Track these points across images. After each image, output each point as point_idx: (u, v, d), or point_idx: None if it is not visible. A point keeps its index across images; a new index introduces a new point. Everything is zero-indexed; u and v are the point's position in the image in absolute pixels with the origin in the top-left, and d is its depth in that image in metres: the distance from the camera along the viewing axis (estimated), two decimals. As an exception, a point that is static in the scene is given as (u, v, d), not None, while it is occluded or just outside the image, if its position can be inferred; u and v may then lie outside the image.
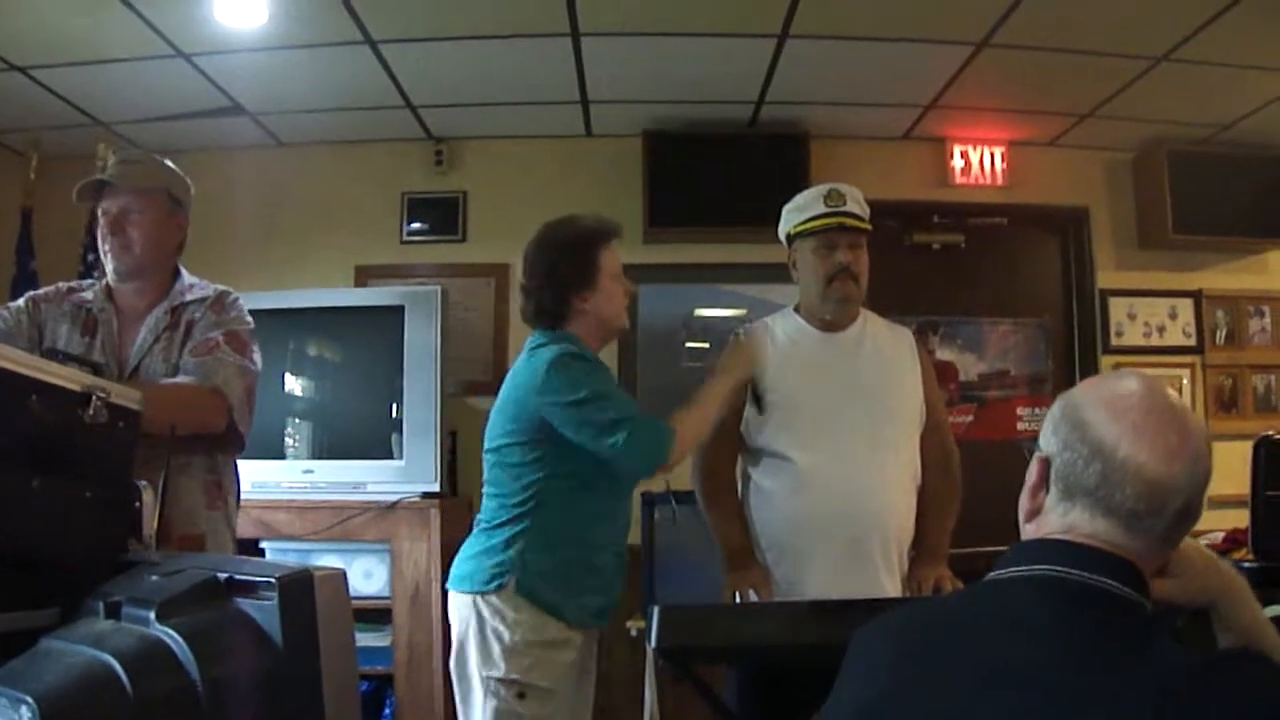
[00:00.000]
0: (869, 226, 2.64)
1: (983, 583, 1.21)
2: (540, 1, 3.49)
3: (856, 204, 2.62)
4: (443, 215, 4.74)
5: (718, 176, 4.38)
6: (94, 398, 1.51)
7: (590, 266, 2.45)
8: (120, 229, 2.42)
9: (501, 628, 2.30)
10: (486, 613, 2.32)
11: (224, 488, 2.49)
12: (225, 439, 2.43)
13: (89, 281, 2.59)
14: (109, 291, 2.50)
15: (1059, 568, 1.12)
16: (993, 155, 4.77)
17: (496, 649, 2.30)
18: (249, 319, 2.54)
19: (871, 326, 2.70)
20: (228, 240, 4.61)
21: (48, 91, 4.05)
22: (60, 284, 2.55)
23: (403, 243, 4.76)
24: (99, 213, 2.45)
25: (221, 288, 2.57)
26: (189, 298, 2.50)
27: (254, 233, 4.68)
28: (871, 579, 2.44)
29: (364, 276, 4.70)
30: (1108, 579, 1.10)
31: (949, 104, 4.38)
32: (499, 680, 2.29)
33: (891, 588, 2.49)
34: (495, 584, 2.32)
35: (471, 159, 4.79)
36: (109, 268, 2.46)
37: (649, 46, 3.85)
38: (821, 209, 2.60)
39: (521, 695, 2.28)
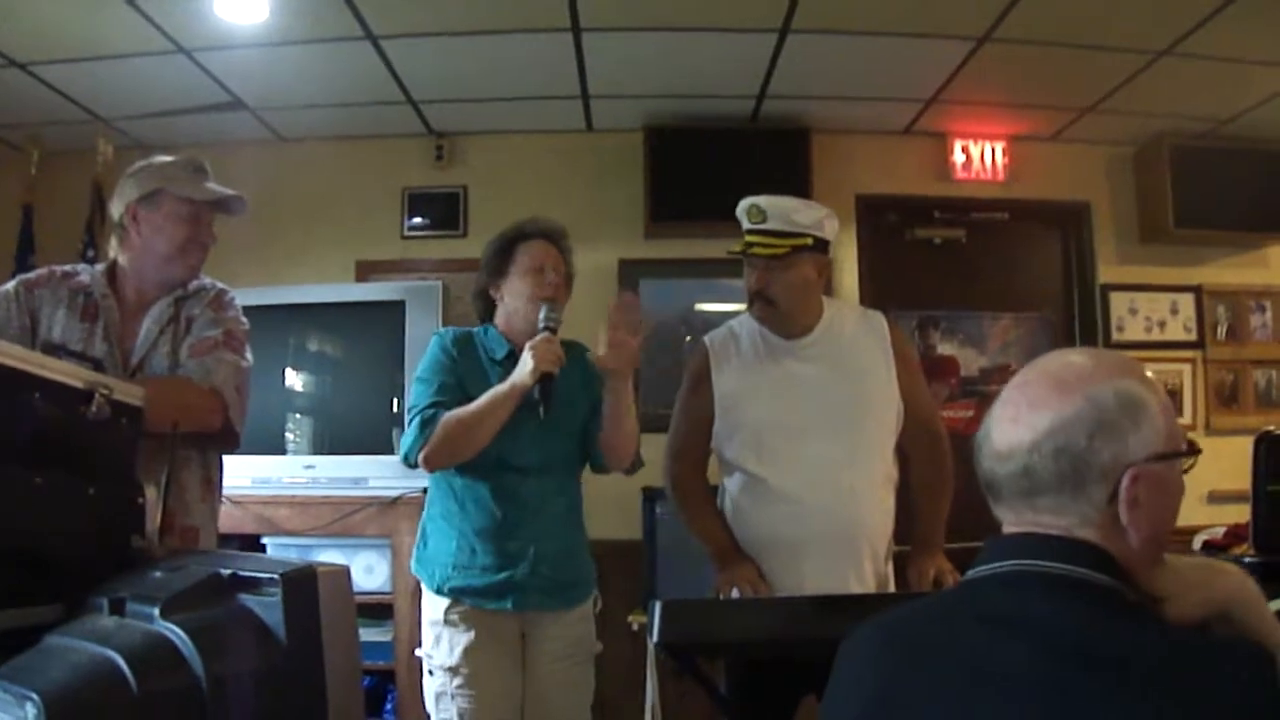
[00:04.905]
0: (788, 247, 2.43)
1: (963, 582, 1.21)
2: (541, -4, 3.49)
3: (781, 220, 2.45)
4: (444, 210, 4.74)
5: (719, 171, 4.35)
6: (96, 395, 1.51)
7: (503, 259, 2.51)
8: (206, 239, 2.50)
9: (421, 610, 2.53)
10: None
11: (213, 482, 2.52)
12: (222, 437, 2.43)
13: (83, 266, 2.52)
14: (111, 277, 2.43)
15: (1024, 561, 1.13)
16: (994, 150, 4.76)
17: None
18: (244, 319, 2.56)
19: (838, 326, 2.56)
20: (228, 235, 4.51)
21: (48, 88, 4.05)
22: (54, 267, 2.46)
23: (404, 238, 4.76)
24: (184, 210, 2.44)
25: (221, 285, 2.58)
26: (191, 289, 2.48)
27: (254, 228, 4.60)
28: (845, 590, 2.38)
29: (365, 272, 4.71)
30: (1069, 564, 1.10)
31: (950, 99, 4.38)
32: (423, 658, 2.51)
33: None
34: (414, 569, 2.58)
35: (472, 154, 4.79)
36: (168, 268, 2.43)
37: (650, 41, 3.84)
38: (745, 224, 2.52)
39: (430, 673, 2.46)
